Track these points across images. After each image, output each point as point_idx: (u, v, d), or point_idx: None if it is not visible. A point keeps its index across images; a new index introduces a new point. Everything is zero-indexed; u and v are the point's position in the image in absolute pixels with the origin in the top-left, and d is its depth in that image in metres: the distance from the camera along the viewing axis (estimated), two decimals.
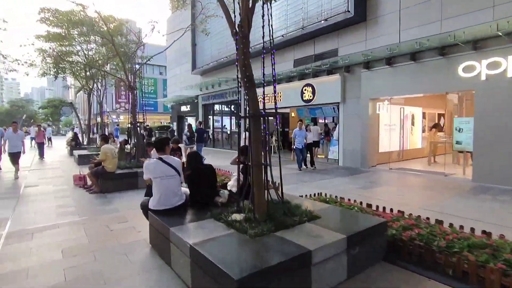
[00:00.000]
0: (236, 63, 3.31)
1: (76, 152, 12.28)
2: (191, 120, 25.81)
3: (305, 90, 12.27)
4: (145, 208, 3.62)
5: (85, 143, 16.59)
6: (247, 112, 3.25)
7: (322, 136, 13.63)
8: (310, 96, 12.06)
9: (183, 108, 23.47)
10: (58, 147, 22.02)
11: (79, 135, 16.85)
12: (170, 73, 25.40)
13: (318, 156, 13.56)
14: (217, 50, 17.53)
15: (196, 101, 21.01)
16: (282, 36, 12.60)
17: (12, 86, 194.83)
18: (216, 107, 20.02)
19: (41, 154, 13.75)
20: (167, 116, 52.83)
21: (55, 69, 13.10)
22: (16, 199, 6.20)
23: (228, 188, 4.03)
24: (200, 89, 20.07)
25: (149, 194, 3.78)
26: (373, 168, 10.07)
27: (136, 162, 7.51)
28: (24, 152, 9.24)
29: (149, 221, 3.53)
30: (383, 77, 9.67)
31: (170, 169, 3.51)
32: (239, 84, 3.40)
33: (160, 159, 3.59)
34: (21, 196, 6.45)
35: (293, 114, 17.53)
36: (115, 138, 27.50)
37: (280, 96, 13.53)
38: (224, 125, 20.48)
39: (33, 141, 20.43)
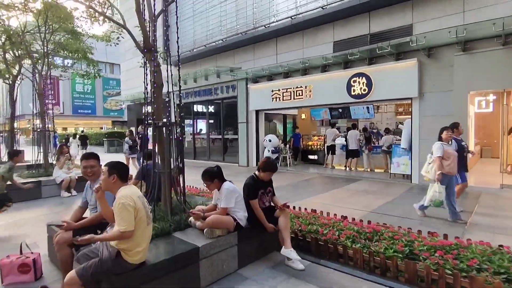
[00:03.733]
0: None
1: None
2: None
3: (354, 81, 9.02)
4: None
5: (3, 158, 10.73)
6: None
7: (362, 144, 10.54)
8: (364, 90, 8.83)
9: (146, 109, 18.30)
10: None
11: None
12: (126, 66, 19.96)
13: (358, 169, 10.44)
14: (204, 32, 13.33)
15: (168, 99, 16.22)
16: (322, 8, 9.21)
17: None
18: (198, 107, 15.57)
19: None
20: (107, 121, 44.94)
21: None
22: None
23: None
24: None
25: None
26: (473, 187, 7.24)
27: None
28: None
29: None
30: (491, 62, 6.94)
31: None
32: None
33: None
34: None
35: (303, 116, 14.18)
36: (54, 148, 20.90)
37: (310, 91, 10.07)
38: (201, 130, 16.13)
39: None
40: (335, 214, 4.31)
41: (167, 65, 3.92)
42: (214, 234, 2.96)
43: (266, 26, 10.76)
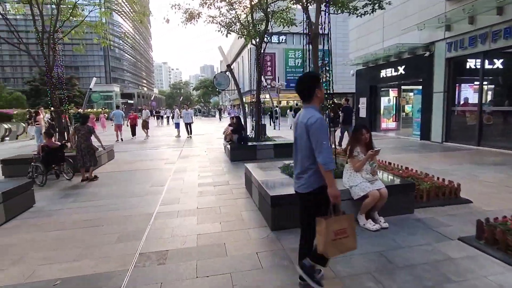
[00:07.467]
0: None
1: (256, 174, 4.81)
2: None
3: None
4: None
5: (249, 134, 9.60)
6: None
7: None
8: None
9: (385, 72, 14.00)
10: (209, 134, 16.87)
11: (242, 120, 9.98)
12: (356, 21, 16.17)
13: None
14: None
15: (426, 54, 11.12)
16: None
17: (176, 75, 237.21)
18: (488, 61, 9.57)
19: None
20: (290, 94, 43.01)
21: None
22: None
23: None
24: (448, 28, 10.08)
25: None
26: None
27: None
28: None
29: None
30: None
31: None
32: None
33: None
34: None
35: None
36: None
37: None
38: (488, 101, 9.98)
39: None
40: None
41: None
42: None
43: None
